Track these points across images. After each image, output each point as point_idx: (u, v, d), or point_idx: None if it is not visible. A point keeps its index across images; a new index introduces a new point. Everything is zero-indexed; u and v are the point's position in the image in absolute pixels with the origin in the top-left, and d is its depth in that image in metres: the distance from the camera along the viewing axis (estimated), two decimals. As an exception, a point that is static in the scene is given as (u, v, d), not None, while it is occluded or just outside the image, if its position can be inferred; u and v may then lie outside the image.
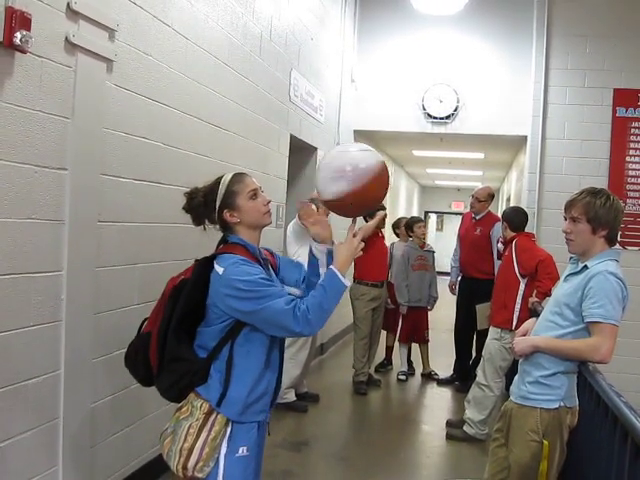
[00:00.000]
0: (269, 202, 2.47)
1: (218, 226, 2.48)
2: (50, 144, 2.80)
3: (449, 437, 5.28)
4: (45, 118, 2.76)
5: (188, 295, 2.35)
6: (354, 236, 2.39)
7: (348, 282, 2.31)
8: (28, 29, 2.52)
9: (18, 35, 2.47)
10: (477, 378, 5.26)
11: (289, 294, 2.33)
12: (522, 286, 5.00)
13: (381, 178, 2.36)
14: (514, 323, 4.90)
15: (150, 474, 3.69)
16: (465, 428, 5.21)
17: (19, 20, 2.48)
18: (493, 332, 5.12)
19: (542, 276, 4.98)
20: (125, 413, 3.57)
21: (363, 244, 2.39)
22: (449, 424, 5.51)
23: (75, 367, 3.05)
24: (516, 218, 5.35)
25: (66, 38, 2.83)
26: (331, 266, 2.32)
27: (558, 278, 4.90)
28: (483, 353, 5.23)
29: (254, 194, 2.43)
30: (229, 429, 2.32)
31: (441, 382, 7.00)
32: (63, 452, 3.01)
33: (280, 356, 2.48)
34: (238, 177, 2.47)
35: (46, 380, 2.88)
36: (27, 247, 2.72)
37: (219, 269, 2.30)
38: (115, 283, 3.39)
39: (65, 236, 2.93)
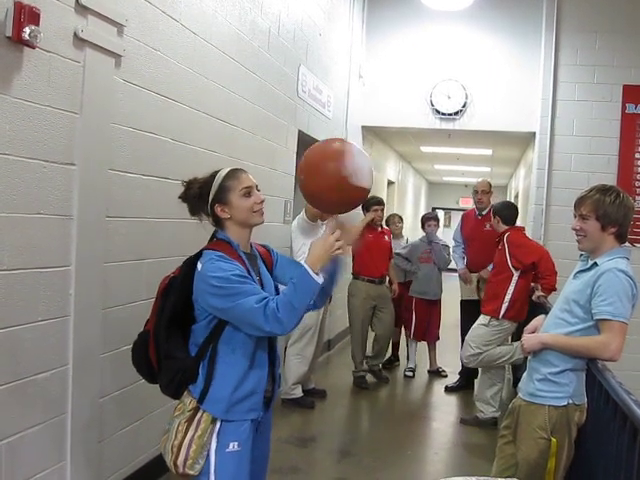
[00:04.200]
0: (262, 201, 2.45)
1: (211, 219, 2.48)
2: (58, 139, 2.80)
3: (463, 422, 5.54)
4: (53, 113, 2.76)
5: (176, 293, 2.38)
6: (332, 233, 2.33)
7: (320, 279, 2.24)
8: (37, 24, 2.53)
9: (27, 30, 2.48)
10: (464, 351, 5.36)
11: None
12: (515, 278, 5.15)
13: None
14: (502, 312, 5.12)
15: (158, 469, 3.68)
16: (477, 414, 5.44)
17: (28, 15, 2.48)
18: (482, 319, 5.29)
19: (545, 273, 5.16)
20: (133, 408, 3.57)
21: (340, 242, 2.31)
22: (463, 422, 5.58)
23: (83, 362, 3.06)
24: (508, 212, 5.53)
25: (75, 33, 2.83)
26: (303, 262, 2.28)
27: (556, 271, 5.17)
28: (467, 337, 5.36)
29: (248, 192, 2.42)
30: (217, 426, 2.32)
31: (449, 389, 6.74)
32: (71, 447, 3.02)
33: (270, 355, 2.46)
34: (233, 173, 2.45)
35: (54, 375, 2.89)
36: (36, 242, 2.72)
37: (199, 265, 2.32)
38: (123, 278, 3.40)
39: (73, 231, 2.94)
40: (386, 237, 6.71)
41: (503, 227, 5.43)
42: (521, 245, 5.28)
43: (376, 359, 6.73)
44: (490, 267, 6.12)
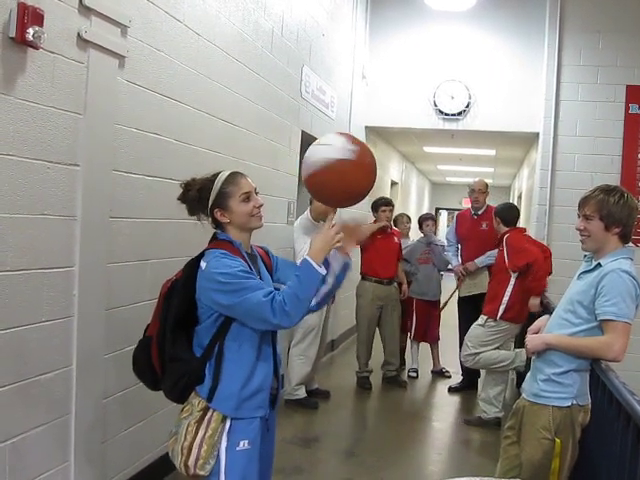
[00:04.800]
0: (261, 206, 2.47)
1: (210, 221, 2.50)
2: (62, 140, 2.81)
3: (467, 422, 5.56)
4: (57, 114, 2.77)
5: (180, 295, 2.39)
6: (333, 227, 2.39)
7: (323, 270, 2.30)
8: (40, 25, 2.53)
9: (30, 31, 2.48)
10: (463, 350, 5.42)
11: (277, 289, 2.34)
12: (512, 280, 5.22)
13: (323, 174, 2.37)
14: (499, 313, 5.18)
15: (161, 470, 3.69)
16: (480, 414, 5.45)
17: (31, 16, 2.48)
18: (480, 319, 5.34)
19: (534, 278, 5.09)
20: (136, 409, 3.57)
21: (341, 235, 2.37)
22: (466, 422, 5.57)
23: (87, 363, 3.06)
24: (508, 213, 5.59)
25: (78, 34, 2.84)
26: (305, 255, 2.32)
27: (549, 272, 5.27)
28: (465, 336, 5.43)
29: (247, 197, 2.44)
30: (227, 425, 2.33)
31: (452, 389, 6.72)
32: (75, 447, 3.03)
33: (273, 352, 2.48)
34: (232, 178, 2.46)
35: (58, 375, 2.90)
36: (39, 243, 2.73)
37: (202, 264, 2.34)
38: (126, 279, 3.40)
39: (77, 232, 2.94)
40: (395, 239, 6.66)
41: (504, 229, 5.46)
42: (516, 247, 5.27)
43: (390, 365, 6.70)
44: (477, 260, 6.23)
